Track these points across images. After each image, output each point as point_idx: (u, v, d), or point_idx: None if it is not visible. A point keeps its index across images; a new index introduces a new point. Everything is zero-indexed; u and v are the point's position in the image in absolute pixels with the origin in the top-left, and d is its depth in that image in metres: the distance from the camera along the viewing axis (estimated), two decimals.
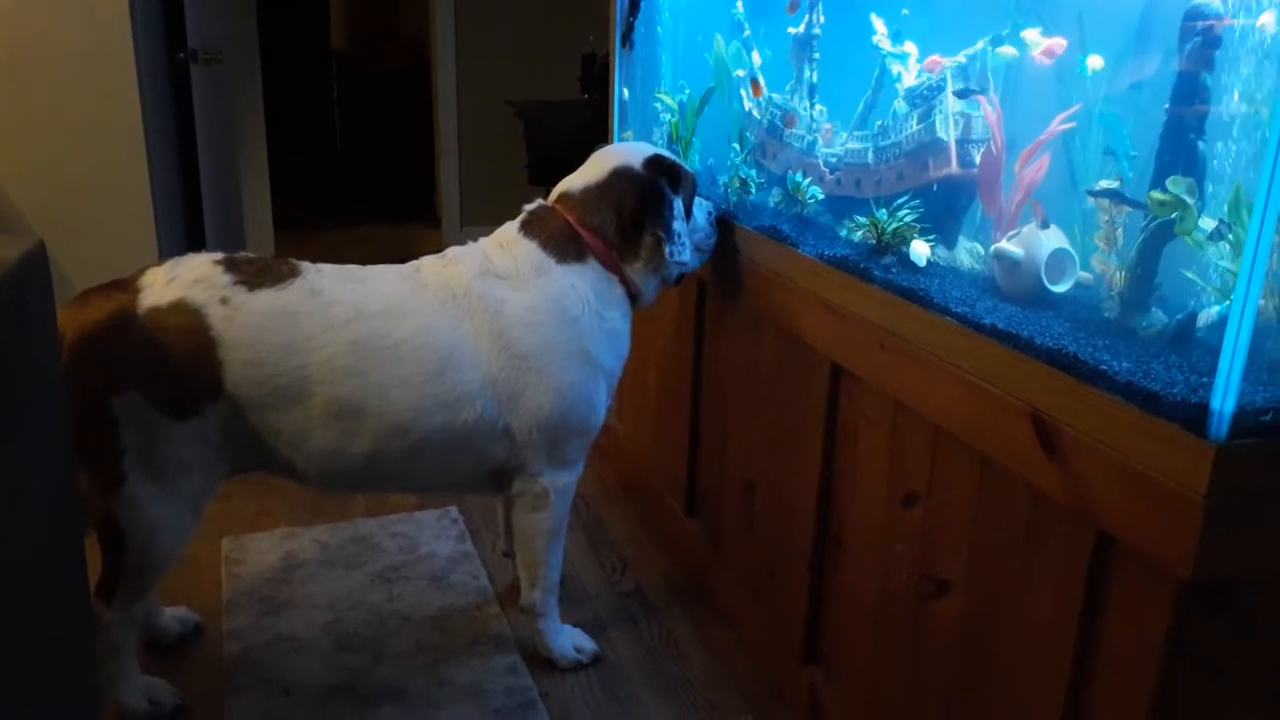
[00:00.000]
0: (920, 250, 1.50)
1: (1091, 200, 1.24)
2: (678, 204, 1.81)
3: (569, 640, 1.96)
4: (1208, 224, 1.10)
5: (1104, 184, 1.20)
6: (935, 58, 1.54)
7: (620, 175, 1.82)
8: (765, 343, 1.88)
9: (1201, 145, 1.11)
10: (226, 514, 2.43)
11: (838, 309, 1.58)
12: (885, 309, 1.46)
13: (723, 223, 1.97)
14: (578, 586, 2.23)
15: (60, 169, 2.66)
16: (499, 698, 1.84)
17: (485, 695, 1.84)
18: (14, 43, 2.55)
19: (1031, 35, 1.32)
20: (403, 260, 1.81)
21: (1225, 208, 1.09)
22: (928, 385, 1.37)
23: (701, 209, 1.93)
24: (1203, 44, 1.12)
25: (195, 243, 3.21)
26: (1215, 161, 1.11)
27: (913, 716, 1.51)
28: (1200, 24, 1.11)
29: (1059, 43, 1.27)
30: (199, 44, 3.16)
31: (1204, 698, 1.08)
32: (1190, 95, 1.12)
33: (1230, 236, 1.07)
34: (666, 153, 1.89)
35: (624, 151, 1.87)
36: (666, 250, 1.78)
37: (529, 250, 1.77)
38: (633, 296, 1.85)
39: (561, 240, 1.78)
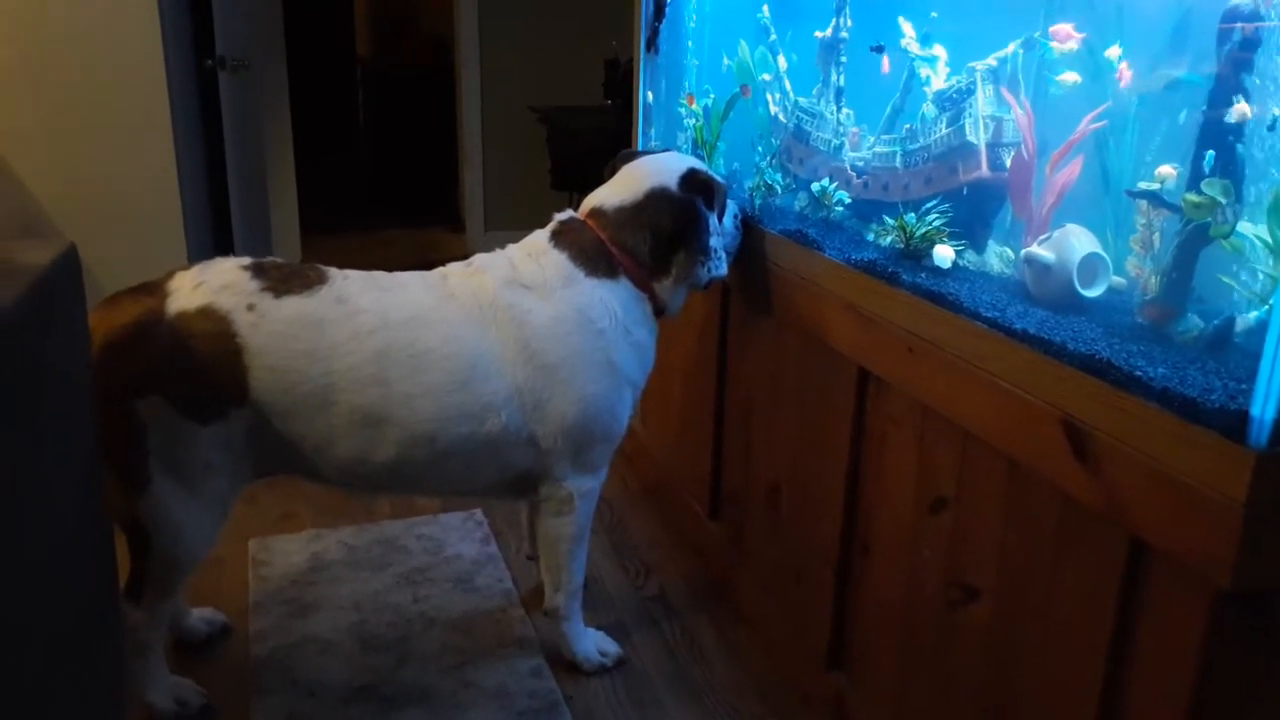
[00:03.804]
0: (945, 254, 1.48)
1: (1132, 198, 1.22)
2: (713, 221, 1.81)
3: (593, 644, 1.96)
4: (1246, 227, 1.09)
5: (1144, 185, 1.18)
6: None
7: (657, 197, 1.79)
8: (790, 347, 1.87)
9: (1240, 148, 1.09)
10: (253, 516, 2.45)
11: (865, 313, 1.57)
12: (913, 313, 1.45)
13: (746, 222, 1.97)
14: (601, 590, 2.23)
15: (91, 174, 2.69)
16: (523, 700, 1.84)
17: (510, 698, 1.84)
18: (45, 49, 2.59)
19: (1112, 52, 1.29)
20: (427, 264, 1.81)
21: (1265, 211, 1.07)
22: (957, 390, 1.36)
23: (728, 213, 1.92)
24: (1240, 45, 1.11)
25: (223, 246, 3.24)
26: (1254, 164, 1.09)
27: None
28: (1238, 25, 1.09)
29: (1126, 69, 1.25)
30: (227, 51, 3.19)
31: (1241, 709, 1.06)
32: (1227, 97, 1.11)
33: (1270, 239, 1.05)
34: (699, 164, 1.86)
35: (659, 169, 1.82)
36: (706, 268, 1.78)
37: (558, 261, 1.76)
38: (659, 310, 1.84)
39: (593, 255, 1.77)
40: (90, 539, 1.26)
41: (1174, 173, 1.16)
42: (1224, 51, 1.12)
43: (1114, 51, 1.26)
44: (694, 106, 2.33)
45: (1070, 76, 1.30)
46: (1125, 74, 1.25)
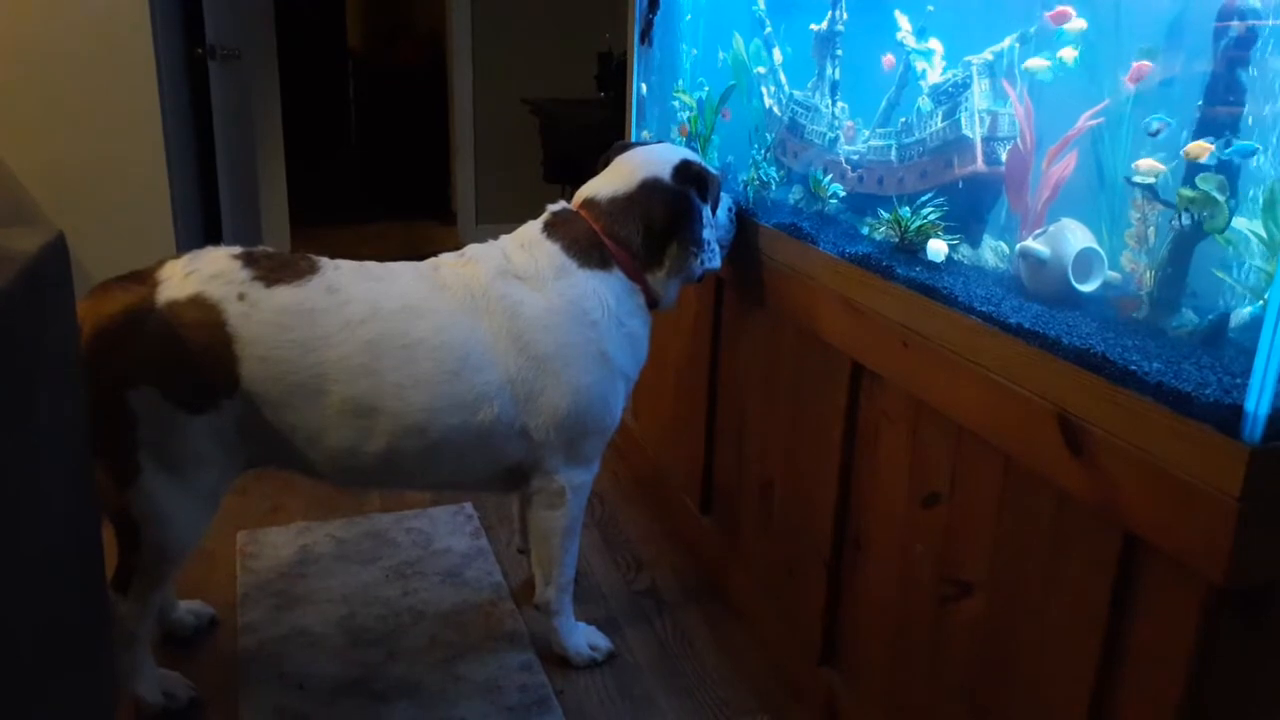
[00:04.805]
0: (940, 248, 1.48)
1: (1130, 185, 1.22)
2: (706, 212, 1.80)
3: (583, 638, 1.96)
4: (1241, 223, 1.09)
5: (1140, 178, 1.18)
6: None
7: (650, 187, 1.78)
8: (784, 341, 1.87)
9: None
10: (242, 508, 2.44)
11: (859, 307, 1.57)
12: (907, 307, 1.45)
13: (741, 216, 1.97)
14: (592, 584, 2.22)
15: (80, 162, 2.67)
16: (513, 695, 1.83)
17: (499, 692, 1.84)
18: (34, 37, 2.56)
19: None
20: (418, 257, 1.80)
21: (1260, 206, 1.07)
22: (951, 384, 1.36)
23: (722, 206, 1.92)
24: (1236, 42, 1.11)
25: (212, 236, 3.22)
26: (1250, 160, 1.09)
27: None
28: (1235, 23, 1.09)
29: (1145, 66, 1.24)
30: (217, 40, 3.17)
31: (1235, 706, 1.06)
32: (1224, 93, 1.11)
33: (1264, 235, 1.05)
34: (692, 155, 1.85)
35: (652, 160, 1.82)
36: (699, 260, 1.77)
37: (551, 252, 1.75)
38: (653, 302, 1.84)
39: (586, 246, 1.76)
40: (79, 530, 1.25)
41: (1163, 167, 1.16)
42: (1220, 47, 1.12)
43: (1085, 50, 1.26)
44: (685, 135, 2.34)
45: (1071, 53, 1.29)
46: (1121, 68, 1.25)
